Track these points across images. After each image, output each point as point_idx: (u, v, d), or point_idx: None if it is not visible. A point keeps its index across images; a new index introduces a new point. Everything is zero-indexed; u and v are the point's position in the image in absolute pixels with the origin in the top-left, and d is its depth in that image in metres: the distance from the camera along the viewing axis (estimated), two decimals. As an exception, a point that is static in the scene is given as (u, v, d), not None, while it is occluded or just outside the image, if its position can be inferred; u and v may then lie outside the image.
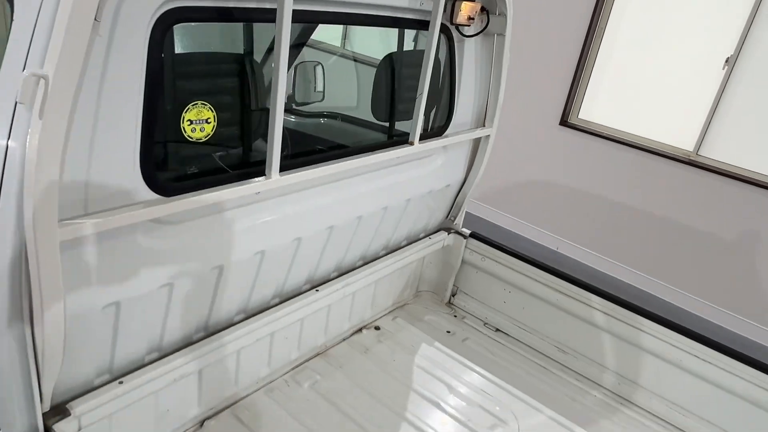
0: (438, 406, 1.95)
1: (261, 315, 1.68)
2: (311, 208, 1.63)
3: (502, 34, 1.96)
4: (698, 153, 4.32)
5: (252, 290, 1.62)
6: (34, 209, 0.94)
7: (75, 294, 1.14)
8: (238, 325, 1.62)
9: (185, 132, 1.20)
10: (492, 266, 2.39)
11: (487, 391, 2.05)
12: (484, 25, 1.91)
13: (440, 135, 2.02)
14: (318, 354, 2.09)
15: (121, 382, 1.35)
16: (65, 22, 0.87)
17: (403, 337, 2.27)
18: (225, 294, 1.53)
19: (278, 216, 1.53)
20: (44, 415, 1.21)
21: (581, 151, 4.82)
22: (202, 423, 1.71)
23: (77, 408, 1.26)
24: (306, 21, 1.59)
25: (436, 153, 2.08)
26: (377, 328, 2.31)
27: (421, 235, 2.37)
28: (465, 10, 1.72)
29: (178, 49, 1.28)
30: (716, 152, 4.26)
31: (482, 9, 1.87)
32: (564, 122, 4.82)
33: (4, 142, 0.96)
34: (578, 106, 4.79)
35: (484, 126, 2.18)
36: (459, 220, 2.46)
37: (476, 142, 2.26)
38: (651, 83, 4.45)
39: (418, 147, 1.83)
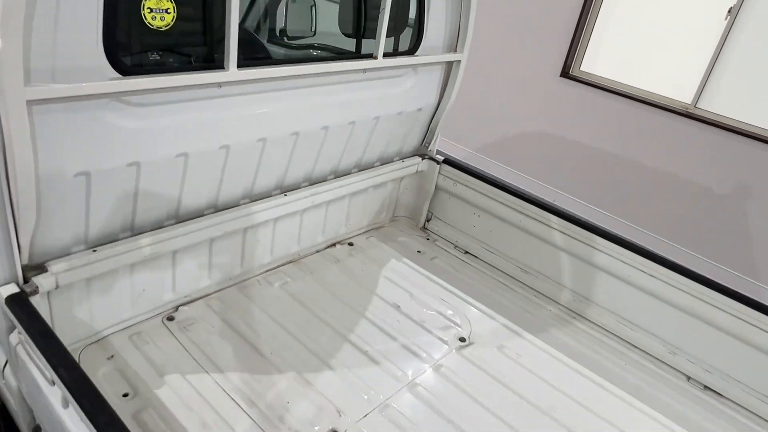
0: (397, 308, 2.10)
1: (229, 210, 1.84)
2: (276, 111, 1.76)
3: None
4: (696, 106, 4.32)
5: (220, 185, 1.77)
6: (1, 68, 1.09)
7: (46, 156, 1.30)
8: (206, 216, 1.78)
9: (146, 19, 1.34)
10: (463, 191, 2.51)
11: (446, 300, 2.20)
12: None
13: (410, 56, 2.13)
14: (291, 261, 2.25)
15: (94, 250, 1.52)
16: None
17: (375, 254, 2.42)
18: (193, 184, 1.68)
19: (242, 114, 1.67)
20: (23, 267, 1.39)
21: (581, 103, 4.85)
22: (176, 308, 1.89)
23: (54, 266, 1.44)
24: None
25: (406, 75, 2.18)
26: (351, 244, 2.46)
27: (396, 158, 2.49)
28: None
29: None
30: (715, 105, 4.27)
31: None
32: (565, 74, 4.83)
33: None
34: (580, 58, 4.79)
35: (455, 51, 2.27)
36: (433, 147, 2.57)
37: (449, 70, 2.36)
38: (652, 35, 4.44)
39: (381, 62, 1.94)
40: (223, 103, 1.61)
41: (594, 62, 4.79)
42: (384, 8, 1.84)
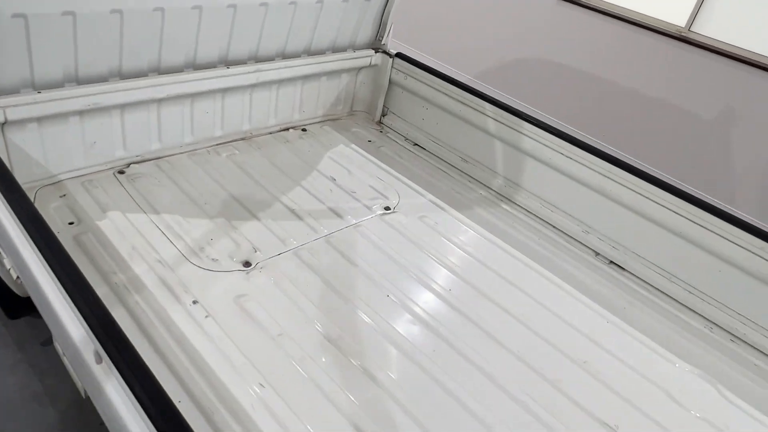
0: (333, 181, 2.30)
1: (170, 74, 2.03)
2: None
3: None
4: (690, 29, 4.27)
5: (160, 50, 1.96)
6: None
7: None
8: (149, 77, 1.98)
9: None
10: (414, 84, 2.65)
11: (382, 179, 2.38)
12: None
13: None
14: (243, 139, 2.45)
15: (39, 92, 1.74)
16: None
17: (325, 139, 2.60)
18: (132, 45, 1.87)
19: None
20: None
21: (575, 27, 4.81)
22: (128, 165, 2.12)
23: (1, 100, 1.67)
24: None
25: None
26: (304, 130, 2.64)
27: (348, 50, 2.62)
28: None
29: None
30: (709, 29, 4.21)
31: None
32: None
33: None
34: None
35: None
36: (386, 41, 2.69)
37: None
38: None
39: None
40: None
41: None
42: None
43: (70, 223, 1.81)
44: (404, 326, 1.68)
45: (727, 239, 1.87)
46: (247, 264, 1.78)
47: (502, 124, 2.35)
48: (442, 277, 1.91)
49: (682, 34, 4.33)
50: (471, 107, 2.43)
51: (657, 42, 4.45)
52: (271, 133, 2.54)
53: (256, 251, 1.84)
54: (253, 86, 2.32)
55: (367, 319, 1.67)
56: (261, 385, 1.40)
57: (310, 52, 2.47)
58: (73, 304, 1.11)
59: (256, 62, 2.29)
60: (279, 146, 2.46)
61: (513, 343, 1.69)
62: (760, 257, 1.81)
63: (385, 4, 2.54)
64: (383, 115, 2.84)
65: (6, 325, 2.09)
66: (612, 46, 4.68)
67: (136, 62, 1.94)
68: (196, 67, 2.12)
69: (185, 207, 1.97)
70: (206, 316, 1.56)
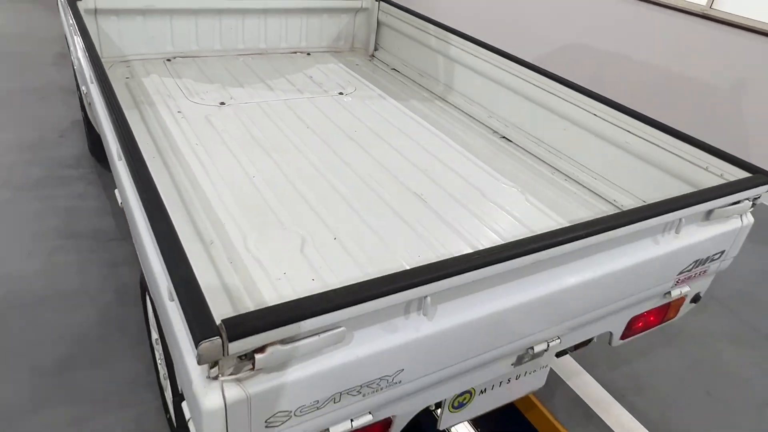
0: (310, 78, 3.14)
1: None
2: None
3: None
4: (712, 7, 4.58)
5: None
6: None
7: None
8: None
9: None
10: (394, 22, 3.42)
11: (351, 82, 3.17)
12: None
13: None
14: (259, 54, 3.40)
15: None
16: None
17: (321, 60, 3.46)
18: None
19: None
20: None
21: (609, 12, 5.27)
22: (174, 57, 3.15)
23: None
24: None
25: None
26: (308, 54, 3.53)
27: None
28: None
29: None
30: (729, 6, 4.50)
31: None
32: None
33: None
34: None
35: None
36: None
37: None
38: None
39: None
40: None
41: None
42: None
43: (126, 78, 2.85)
44: (311, 151, 2.45)
45: (572, 103, 2.39)
46: (222, 103, 2.68)
47: (450, 44, 3.02)
48: (358, 132, 2.65)
49: (705, 12, 4.63)
50: (433, 36, 3.14)
51: (681, 20, 4.77)
52: (282, 54, 3.46)
53: (231, 99, 2.74)
54: (266, 11, 3.27)
55: (291, 140, 2.47)
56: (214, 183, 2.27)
57: (309, -7, 3.38)
58: (109, 116, 1.96)
59: (265, -3, 3.25)
60: (284, 60, 3.37)
61: (389, 163, 2.38)
62: (594, 115, 2.31)
63: (373, -42, 3.39)
64: (375, 49, 3.65)
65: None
66: (640, 27, 5.05)
67: (179, -17, 2.98)
68: (221, -8, 3.12)
69: (200, 82, 2.93)
70: (183, 118, 2.48)
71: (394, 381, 1.22)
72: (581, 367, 2.66)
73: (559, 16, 5.84)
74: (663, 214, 1.47)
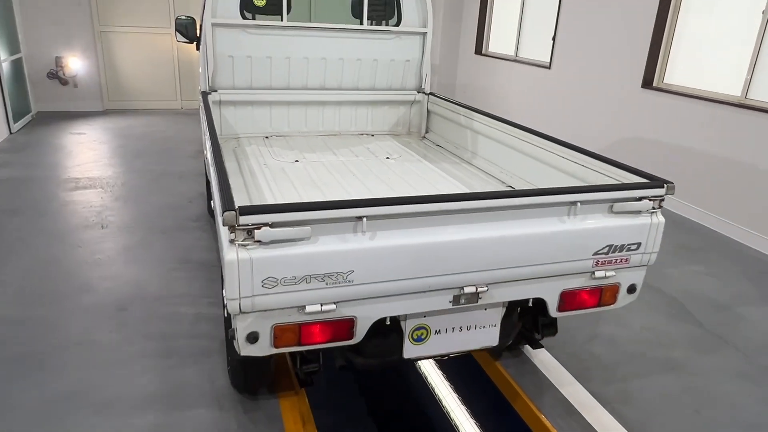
0: (367, 148, 4.07)
1: (295, 90, 4.18)
2: (311, 44, 4.08)
3: None
4: (746, 97, 5.08)
5: (288, 76, 4.14)
6: (206, 16, 3.71)
7: (218, 46, 3.87)
8: (284, 90, 4.15)
9: (255, 2, 3.85)
10: (440, 110, 4.35)
11: (396, 151, 4.05)
12: None
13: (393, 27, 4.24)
14: (334, 134, 4.44)
15: (235, 91, 4.04)
16: None
17: (382, 139, 4.43)
18: (276, 72, 4.09)
19: (293, 42, 4.03)
20: (209, 88, 3.96)
21: (653, 107, 5.84)
22: (270, 136, 4.27)
23: (219, 92, 3.98)
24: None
25: (393, 39, 4.26)
26: (372, 135, 4.52)
27: (401, 90, 4.50)
28: None
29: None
30: (761, 95, 4.99)
31: None
32: (647, 85, 5.93)
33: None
34: (662, 71, 5.88)
35: (425, 27, 4.27)
36: (425, 86, 4.50)
37: (424, 40, 4.33)
38: (717, 41, 5.38)
39: (365, 26, 4.11)
40: (285, 34, 4.01)
41: (673, 73, 5.85)
42: (364, 4, 4.06)
43: (234, 147, 3.97)
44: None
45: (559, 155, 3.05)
46: (296, 161, 3.67)
47: (475, 120, 3.84)
48: (389, 177, 3.47)
49: (741, 101, 5.12)
50: (463, 116, 4.00)
51: (719, 110, 5.26)
52: (352, 134, 4.49)
53: (303, 158, 3.72)
54: (340, 103, 4.35)
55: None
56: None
57: (374, 90, 4.43)
58: (216, 169, 3.09)
59: (340, 90, 4.34)
60: (352, 138, 4.38)
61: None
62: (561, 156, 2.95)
63: (420, 65, 4.41)
64: (426, 132, 4.56)
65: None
66: (685, 119, 5.56)
67: (278, 81, 4.16)
68: (308, 88, 4.25)
69: (285, 150, 3.99)
70: (266, 167, 3.48)
71: (348, 279, 1.92)
72: (574, 378, 3.04)
73: (613, 114, 6.50)
74: (554, 194, 2.09)
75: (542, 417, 2.73)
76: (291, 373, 2.94)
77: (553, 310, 2.35)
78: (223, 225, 1.74)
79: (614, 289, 2.41)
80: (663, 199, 2.30)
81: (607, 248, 2.27)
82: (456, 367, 3.23)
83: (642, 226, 2.29)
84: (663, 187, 2.26)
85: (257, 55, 4.01)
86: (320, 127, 4.41)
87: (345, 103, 4.39)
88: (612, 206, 2.24)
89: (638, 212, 2.28)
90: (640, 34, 6.04)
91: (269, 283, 1.84)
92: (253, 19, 3.97)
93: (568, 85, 7.33)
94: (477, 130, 3.80)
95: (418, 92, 4.52)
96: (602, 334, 3.49)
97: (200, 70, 4.17)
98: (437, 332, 2.27)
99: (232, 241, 1.78)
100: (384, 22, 4.30)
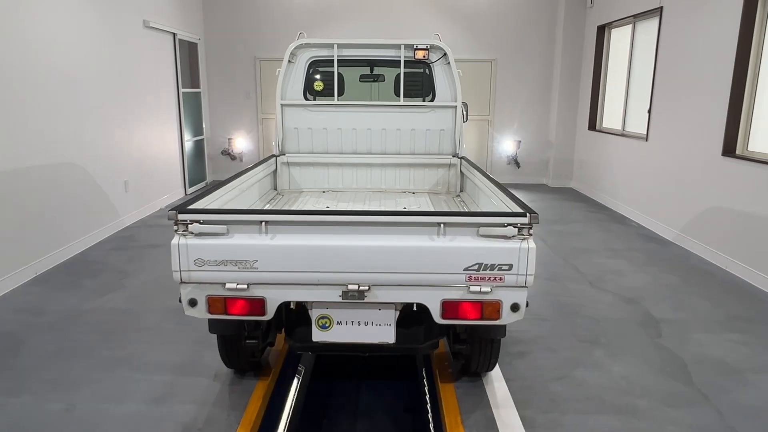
0: (404, 208, 4.81)
1: (346, 154, 5.16)
2: (359, 118, 5.06)
3: (448, 63, 4.89)
4: None
5: (341, 142, 5.14)
6: (279, 97, 4.96)
7: (287, 121, 5.07)
8: (338, 154, 5.16)
9: (315, 89, 5.00)
10: (468, 172, 4.95)
11: (426, 202, 4.72)
12: (437, 57, 4.90)
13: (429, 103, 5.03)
14: (380, 191, 5.27)
15: (299, 153, 5.17)
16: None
17: (422, 196, 5.13)
18: (331, 141, 5.13)
19: (344, 117, 5.05)
20: (280, 153, 5.14)
21: (741, 178, 5.60)
22: (325, 191, 5.26)
23: (287, 156, 5.13)
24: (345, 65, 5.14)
25: (429, 112, 5.04)
26: (413, 193, 5.24)
27: (438, 154, 5.19)
28: (419, 54, 4.86)
29: (328, 72, 5.12)
30: None
31: (429, 50, 4.89)
32: (728, 153, 5.77)
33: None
34: (745, 139, 5.74)
35: (455, 102, 4.98)
36: (459, 151, 5.14)
37: (455, 112, 5.03)
38: None
39: (402, 102, 4.97)
40: (338, 111, 5.06)
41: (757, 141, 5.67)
42: (401, 84, 4.95)
43: (296, 197, 5.04)
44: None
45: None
46: (327, 207, 4.57)
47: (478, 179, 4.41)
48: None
49: None
50: (472, 175, 4.58)
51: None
52: (395, 192, 5.27)
53: (339, 196, 4.61)
54: (384, 165, 5.21)
55: None
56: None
57: (414, 153, 5.20)
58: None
59: (384, 154, 5.20)
60: (396, 195, 5.16)
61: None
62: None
63: (453, 134, 5.10)
64: (461, 190, 5.15)
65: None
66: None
67: (333, 147, 5.19)
68: (357, 152, 5.20)
69: (336, 201, 4.94)
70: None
71: (254, 266, 2.71)
72: (513, 404, 3.30)
73: (696, 182, 6.28)
74: (419, 215, 2.66)
75: (461, 429, 3.08)
76: (279, 363, 3.71)
77: (437, 317, 2.82)
78: (168, 219, 2.69)
79: (496, 305, 2.79)
80: (530, 227, 2.69)
81: (477, 265, 2.71)
82: (409, 376, 3.65)
83: (511, 249, 2.69)
84: (525, 216, 2.67)
85: (316, 127, 5.11)
86: (368, 185, 5.30)
87: (388, 165, 5.24)
88: (478, 230, 2.71)
89: (509, 237, 2.70)
90: (720, 102, 5.92)
91: (199, 262, 2.72)
92: (314, 100, 5.13)
93: (661, 156, 7.22)
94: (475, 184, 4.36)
95: (453, 156, 5.18)
96: (574, 376, 3.63)
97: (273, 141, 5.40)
98: (339, 323, 2.89)
99: (175, 231, 2.72)
100: (423, 98, 5.14)
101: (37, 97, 5.46)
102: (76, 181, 6.15)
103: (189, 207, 2.73)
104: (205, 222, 2.70)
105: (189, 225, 2.69)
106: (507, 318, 2.82)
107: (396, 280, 2.75)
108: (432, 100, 5.08)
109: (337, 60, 4.97)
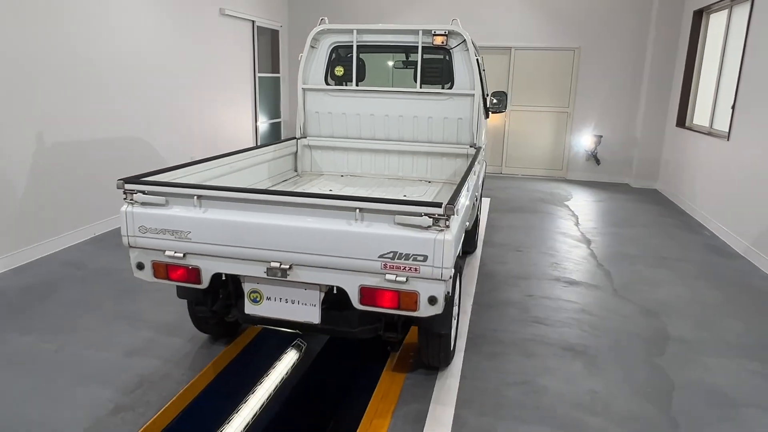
0: (427, 185, 4.78)
1: (364, 140, 5.20)
2: (377, 104, 5.06)
3: (466, 49, 4.72)
4: None
5: (360, 129, 5.19)
6: (301, 82, 5.12)
7: (309, 105, 5.22)
8: (357, 139, 5.22)
9: (335, 74, 5.08)
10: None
11: (441, 190, 4.65)
12: (456, 43, 4.75)
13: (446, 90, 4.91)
14: (398, 179, 5.25)
15: (320, 137, 5.30)
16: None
17: (435, 185, 5.04)
18: (352, 125, 5.19)
19: (362, 102, 5.08)
20: (301, 135, 5.31)
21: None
22: (345, 175, 5.34)
23: (308, 138, 5.30)
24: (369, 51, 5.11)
25: (447, 100, 4.91)
26: (429, 182, 5.16)
27: (455, 144, 5.05)
28: (437, 40, 4.75)
29: (352, 58, 5.18)
30: None
31: (447, 36, 4.74)
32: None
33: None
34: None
35: (472, 90, 4.80)
36: (476, 141, 4.95)
37: (472, 101, 4.85)
38: None
39: (419, 89, 4.89)
40: (356, 96, 5.10)
41: None
42: (418, 71, 4.87)
43: (314, 179, 5.20)
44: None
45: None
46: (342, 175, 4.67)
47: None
48: None
49: None
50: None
51: None
52: (412, 179, 5.23)
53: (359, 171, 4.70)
54: (401, 153, 5.18)
55: None
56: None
57: (432, 142, 5.11)
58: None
59: (401, 141, 5.16)
60: (413, 183, 5.12)
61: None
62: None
63: (471, 123, 4.92)
64: (476, 183, 4.99)
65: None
66: None
67: (352, 133, 5.26)
68: (375, 139, 5.22)
69: (352, 186, 5.03)
70: (330, 190, 4.59)
71: (188, 236, 2.89)
72: (454, 402, 3.21)
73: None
74: (336, 199, 2.67)
75: (388, 419, 3.06)
76: (251, 335, 3.91)
77: (355, 302, 2.81)
78: (117, 188, 2.95)
79: (413, 296, 2.72)
80: (447, 219, 2.59)
81: (392, 254, 2.67)
82: (366, 357, 3.65)
83: (426, 240, 2.61)
84: (440, 206, 2.57)
85: (336, 111, 5.21)
86: (385, 171, 5.30)
87: (406, 152, 5.20)
88: (395, 218, 2.65)
89: (424, 227, 2.62)
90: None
91: (143, 229, 2.96)
92: (337, 85, 5.22)
93: (740, 157, 6.38)
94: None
95: (471, 146, 5.02)
96: (536, 384, 3.43)
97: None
98: (268, 298, 2.99)
99: (124, 199, 2.97)
100: (441, 86, 5.02)
101: (118, 79, 6.14)
102: (145, 156, 6.81)
103: (136, 177, 2.98)
104: (148, 193, 2.93)
105: (134, 194, 2.94)
106: (425, 310, 2.74)
107: (315, 262, 2.78)
108: (450, 88, 4.95)
109: (358, 46, 5.01)
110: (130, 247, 3.05)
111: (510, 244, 6.30)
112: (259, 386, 3.28)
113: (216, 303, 3.29)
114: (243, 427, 2.92)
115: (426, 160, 5.22)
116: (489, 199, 8.59)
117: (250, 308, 3.06)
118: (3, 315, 4.14)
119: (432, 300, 2.71)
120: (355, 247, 2.71)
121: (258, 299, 3.03)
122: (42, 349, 3.65)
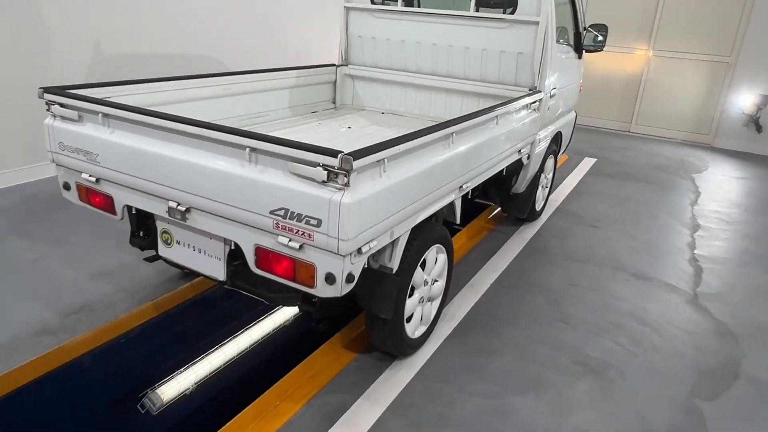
0: None
1: (408, 72, 4.43)
2: (427, 29, 4.22)
3: None
4: None
5: (405, 60, 4.41)
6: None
7: (352, 27, 4.54)
8: (402, 71, 4.47)
9: None
10: (533, 109, 3.80)
11: None
12: None
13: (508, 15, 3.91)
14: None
15: (364, 67, 4.63)
16: None
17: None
18: (403, 56, 4.44)
19: (414, 27, 4.27)
20: (342, 62, 4.68)
21: None
22: (386, 112, 4.65)
23: (352, 66, 4.66)
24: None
25: (507, 28, 3.91)
26: (477, 129, 4.28)
27: (512, 85, 4.06)
28: None
29: None
30: None
31: None
32: None
33: None
34: None
35: (538, 16, 3.75)
36: (538, 84, 3.91)
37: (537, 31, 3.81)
38: None
39: (472, 13, 3.95)
40: (402, 19, 4.30)
41: None
42: None
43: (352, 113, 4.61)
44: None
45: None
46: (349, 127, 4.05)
47: None
48: None
49: None
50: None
51: None
52: (459, 125, 4.38)
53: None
54: (449, 91, 4.33)
55: None
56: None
57: (485, 81, 4.17)
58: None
59: (449, 77, 4.30)
60: None
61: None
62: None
63: (532, 60, 3.89)
64: (531, 136, 4.01)
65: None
66: None
67: (396, 63, 4.50)
68: (421, 72, 4.41)
69: (391, 124, 4.36)
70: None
71: (96, 160, 2.53)
72: (393, 401, 2.59)
73: None
74: (230, 134, 2.09)
75: (299, 405, 2.55)
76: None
77: (251, 264, 2.26)
78: (38, 98, 2.66)
79: (309, 268, 2.10)
80: (346, 174, 1.89)
81: (283, 211, 2.05)
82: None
83: (320, 199, 1.95)
84: (335, 156, 1.87)
85: (380, 36, 4.47)
86: (430, 113, 4.51)
87: (453, 91, 4.34)
88: (288, 164, 2.01)
89: (320, 183, 1.96)
90: None
91: (61, 146, 2.66)
92: (383, 3, 4.45)
93: None
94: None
95: (530, 90, 4.00)
96: (508, 404, 2.66)
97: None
98: (178, 243, 2.56)
99: (47, 111, 2.68)
100: (503, 11, 4.01)
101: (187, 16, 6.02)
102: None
103: (58, 88, 2.65)
104: (64, 105, 2.60)
105: (52, 106, 2.63)
106: (323, 289, 2.11)
107: (211, 208, 2.27)
108: (512, 13, 3.93)
109: (409, -43, 4.17)
110: (57, 165, 2.79)
111: (586, 216, 5.18)
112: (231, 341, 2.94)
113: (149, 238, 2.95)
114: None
115: (477, 103, 4.32)
116: (595, 159, 7.26)
117: (162, 250, 2.67)
118: (22, 217, 4.27)
119: (329, 278, 2.07)
120: (247, 196, 2.13)
121: (169, 241, 2.62)
122: (24, 258, 3.67)
